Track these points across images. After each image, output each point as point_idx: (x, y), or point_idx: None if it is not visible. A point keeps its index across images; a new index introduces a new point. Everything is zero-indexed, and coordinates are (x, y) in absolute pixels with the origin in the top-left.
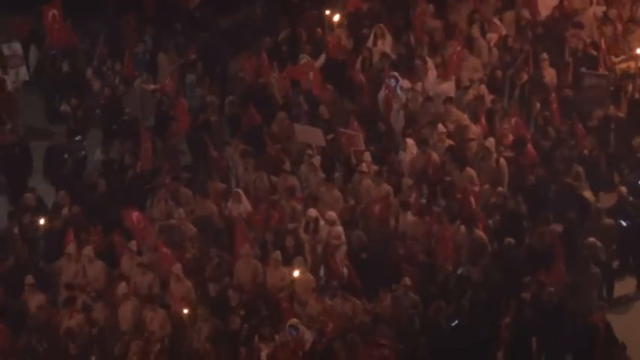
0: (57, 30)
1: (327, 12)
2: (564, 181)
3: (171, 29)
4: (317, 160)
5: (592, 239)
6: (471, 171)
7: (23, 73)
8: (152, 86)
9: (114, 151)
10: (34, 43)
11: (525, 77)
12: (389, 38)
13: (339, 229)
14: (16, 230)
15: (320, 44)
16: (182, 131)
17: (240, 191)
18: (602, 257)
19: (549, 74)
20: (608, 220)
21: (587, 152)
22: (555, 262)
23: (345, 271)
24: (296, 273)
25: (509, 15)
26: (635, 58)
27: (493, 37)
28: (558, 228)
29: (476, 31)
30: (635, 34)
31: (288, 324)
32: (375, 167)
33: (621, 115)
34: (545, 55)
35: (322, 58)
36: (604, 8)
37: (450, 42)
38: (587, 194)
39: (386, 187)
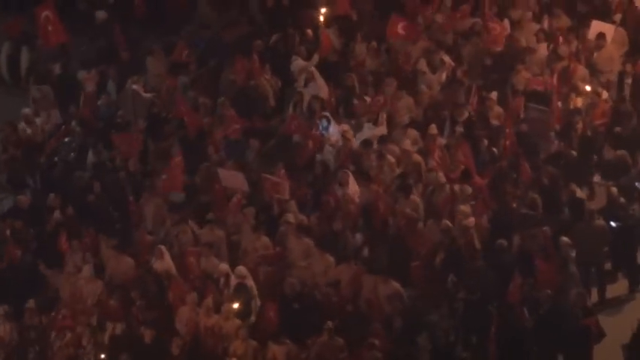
0: (50, 31)
1: (320, 12)
2: (520, 212)
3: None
4: (250, 210)
5: (565, 238)
6: (416, 199)
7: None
8: (147, 95)
9: (105, 153)
10: (26, 45)
11: (466, 114)
12: (320, 80)
13: (250, 282)
14: (8, 233)
15: (311, 46)
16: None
17: (163, 248)
18: (569, 262)
19: (495, 113)
20: (600, 222)
21: (546, 181)
22: (546, 263)
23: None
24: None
25: (467, 48)
26: (584, 94)
27: (442, 74)
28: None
29: (423, 65)
30: (580, 71)
31: None
32: (301, 217)
33: (573, 152)
34: (492, 95)
35: (315, 58)
36: (546, 44)
37: (389, 79)
38: (580, 194)
39: (306, 242)
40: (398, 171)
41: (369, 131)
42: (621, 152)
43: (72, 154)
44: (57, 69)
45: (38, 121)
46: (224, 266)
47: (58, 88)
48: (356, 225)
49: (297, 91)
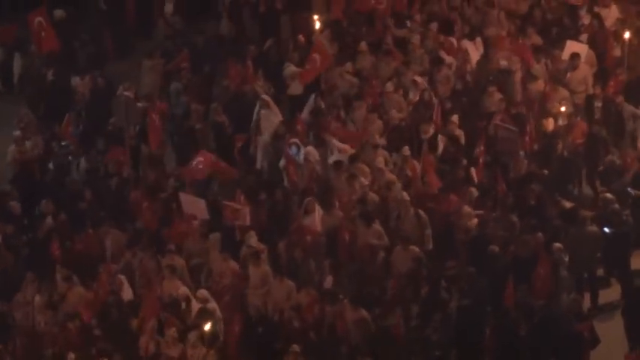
0: (43, 38)
1: (314, 18)
2: (497, 234)
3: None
4: (215, 236)
5: (557, 244)
6: (377, 227)
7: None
8: (140, 105)
9: (99, 159)
10: (19, 51)
11: (432, 131)
12: (274, 108)
13: (212, 305)
14: None
15: (304, 51)
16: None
17: (123, 277)
18: (561, 267)
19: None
20: (592, 228)
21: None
22: (538, 269)
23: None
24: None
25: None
26: (561, 115)
27: (415, 95)
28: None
29: (389, 87)
30: (558, 92)
31: None
32: (260, 246)
33: (545, 171)
34: (454, 118)
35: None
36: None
37: (358, 103)
38: (569, 205)
39: (264, 270)
40: (369, 194)
41: (338, 155)
42: (610, 157)
43: (69, 157)
44: (50, 75)
45: (28, 144)
46: (184, 290)
47: (51, 95)
48: (319, 253)
49: (256, 118)
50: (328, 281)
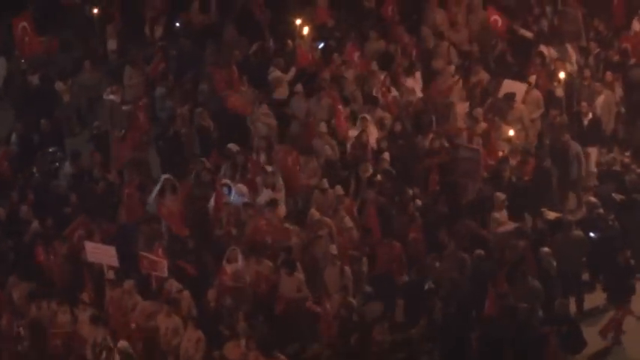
0: (26, 42)
1: (297, 23)
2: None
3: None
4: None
5: (546, 249)
6: (299, 276)
7: None
8: (126, 108)
9: (84, 163)
10: (4, 55)
11: (371, 170)
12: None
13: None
14: None
15: (290, 56)
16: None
17: (21, 329)
18: (551, 272)
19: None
20: (578, 232)
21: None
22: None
23: None
24: None
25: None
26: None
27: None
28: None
29: (323, 127)
30: (501, 129)
31: None
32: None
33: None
34: (385, 155)
35: (292, 71)
36: (467, 104)
37: (279, 146)
38: (552, 215)
39: (197, 334)
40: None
41: (266, 197)
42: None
43: (56, 163)
44: (35, 80)
45: None
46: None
47: (36, 99)
48: (243, 302)
49: (200, 160)
50: (241, 327)
